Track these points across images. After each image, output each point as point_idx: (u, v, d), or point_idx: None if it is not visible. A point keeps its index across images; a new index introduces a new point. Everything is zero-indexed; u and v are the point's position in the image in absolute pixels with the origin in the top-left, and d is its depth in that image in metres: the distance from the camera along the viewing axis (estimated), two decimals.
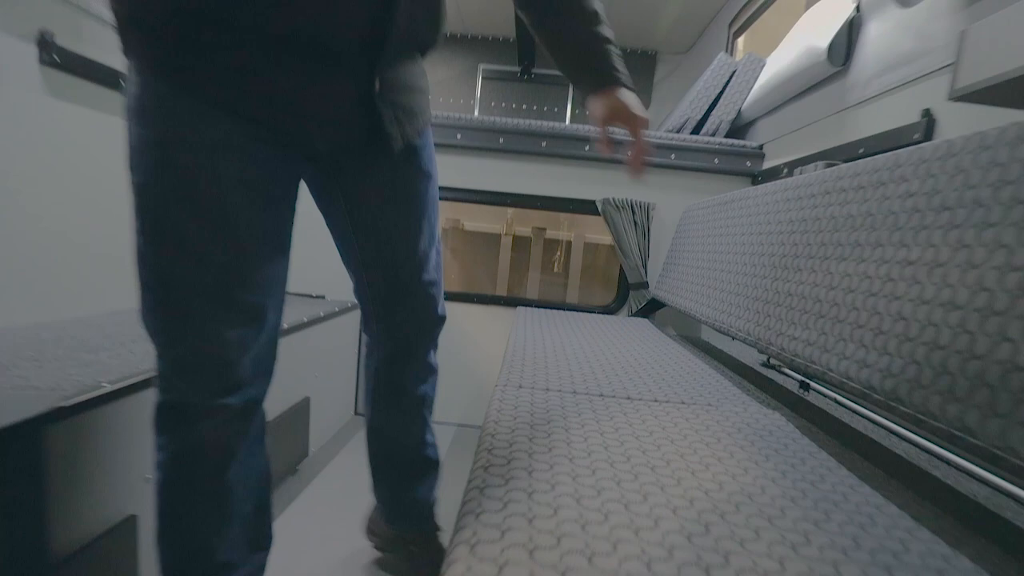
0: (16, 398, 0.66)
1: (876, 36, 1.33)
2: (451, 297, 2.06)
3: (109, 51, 1.36)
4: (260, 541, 0.85)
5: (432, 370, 1.07)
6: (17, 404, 0.61)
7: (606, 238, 2.07)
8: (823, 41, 1.48)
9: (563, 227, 4.31)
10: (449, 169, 2.02)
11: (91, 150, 1.35)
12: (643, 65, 3.61)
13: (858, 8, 1.43)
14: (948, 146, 0.71)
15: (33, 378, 0.79)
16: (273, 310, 0.77)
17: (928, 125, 1.08)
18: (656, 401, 0.95)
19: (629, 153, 0.89)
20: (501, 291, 3.79)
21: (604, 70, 0.87)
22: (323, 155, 0.80)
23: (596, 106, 0.88)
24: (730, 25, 2.64)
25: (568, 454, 0.66)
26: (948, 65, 1.05)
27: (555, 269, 4.96)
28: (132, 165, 0.67)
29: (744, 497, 0.60)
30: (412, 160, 0.88)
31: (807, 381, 1.23)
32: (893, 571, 0.48)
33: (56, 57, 1.15)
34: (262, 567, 0.85)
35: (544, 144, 2.02)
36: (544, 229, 4.24)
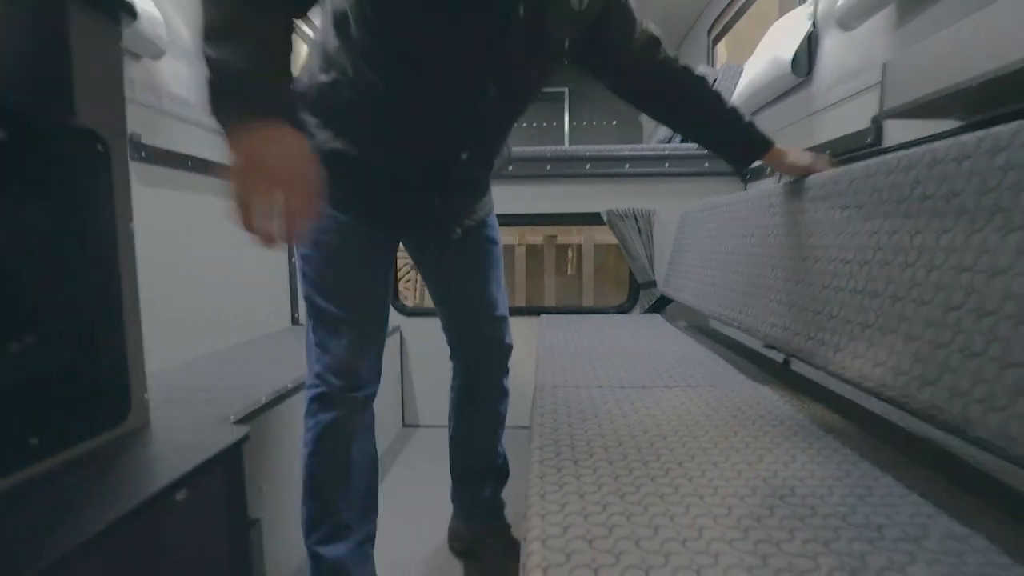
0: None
1: (830, 51, 1.52)
2: None
3: (179, 141, 1.61)
4: (370, 514, 1.13)
5: (504, 392, 1.33)
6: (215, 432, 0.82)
7: (614, 238, 2.27)
8: (787, 54, 1.67)
9: (573, 232, 4.51)
10: None
11: (175, 220, 1.60)
12: None
13: (814, 24, 1.61)
14: (930, 151, 0.74)
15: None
16: (382, 333, 1.11)
17: (877, 131, 1.27)
18: (667, 387, 1.15)
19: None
20: (520, 300, 3.99)
21: (759, 141, 1.15)
22: (415, 239, 1.21)
23: (787, 167, 1.15)
24: (709, 31, 2.83)
25: (604, 446, 0.80)
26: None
27: (568, 271, 5.15)
28: (303, 252, 1.04)
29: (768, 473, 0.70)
30: (479, 234, 1.21)
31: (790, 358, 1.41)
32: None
33: (142, 153, 1.40)
34: (372, 536, 1.13)
35: (549, 167, 2.23)
36: (555, 236, 4.45)
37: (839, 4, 1.30)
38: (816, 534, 0.56)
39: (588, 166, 2.23)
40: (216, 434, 0.72)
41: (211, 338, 1.76)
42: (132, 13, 0.69)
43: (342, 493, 1.07)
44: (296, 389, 1.40)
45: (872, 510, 0.61)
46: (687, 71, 1.11)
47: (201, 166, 1.66)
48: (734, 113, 1.14)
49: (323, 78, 0.93)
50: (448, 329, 1.30)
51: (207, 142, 1.71)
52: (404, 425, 2.35)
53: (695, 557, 0.52)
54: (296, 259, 1.08)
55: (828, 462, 0.75)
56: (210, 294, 1.75)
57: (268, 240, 0.66)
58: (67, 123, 0.62)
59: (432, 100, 0.90)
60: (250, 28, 0.64)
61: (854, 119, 1.37)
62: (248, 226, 0.64)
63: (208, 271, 1.74)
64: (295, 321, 2.37)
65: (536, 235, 4.36)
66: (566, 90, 3.84)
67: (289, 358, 1.69)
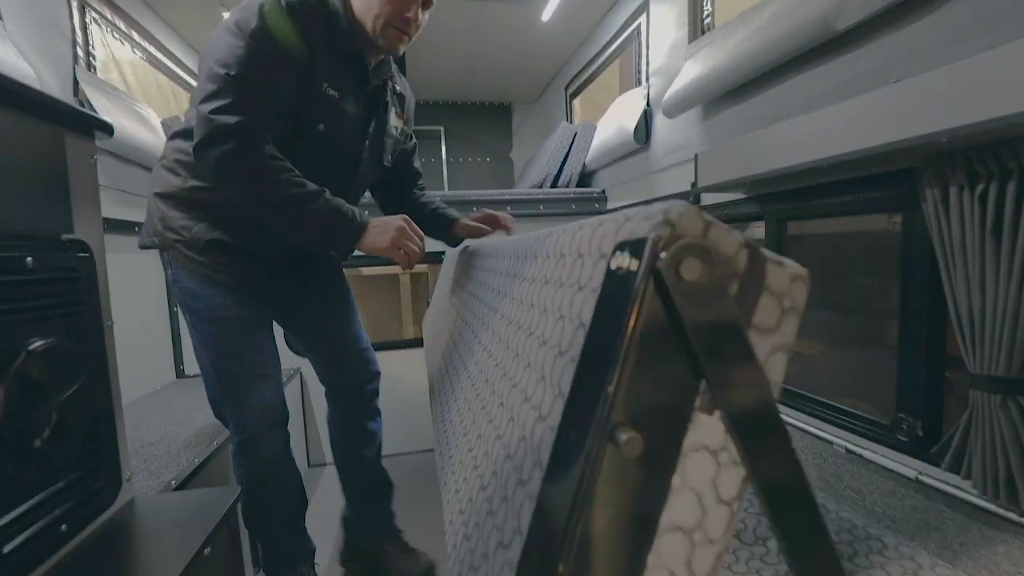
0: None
1: (660, 128, 1.98)
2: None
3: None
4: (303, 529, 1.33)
5: (378, 412, 1.50)
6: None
7: None
8: (630, 124, 2.11)
9: None
10: None
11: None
12: (502, 115, 4.20)
13: (648, 104, 2.07)
14: None
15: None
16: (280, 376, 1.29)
17: (696, 193, 1.71)
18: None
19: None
20: (408, 331, 4.09)
21: (451, 216, 1.43)
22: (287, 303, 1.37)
23: (466, 231, 1.40)
24: (566, 88, 3.30)
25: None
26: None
27: None
28: (195, 322, 1.17)
29: None
30: (337, 284, 1.44)
31: None
32: None
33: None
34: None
35: None
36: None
37: (664, 98, 1.73)
38: None
39: (474, 209, 2.48)
40: (205, 499, 0.81)
41: None
42: (109, 131, 0.77)
43: (299, 508, 1.28)
44: (219, 448, 1.42)
45: None
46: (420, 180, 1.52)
47: None
48: (431, 205, 1.47)
49: (195, 182, 1.12)
50: (324, 370, 1.46)
51: None
52: (310, 465, 2.35)
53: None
54: (194, 336, 1.20)
55: None
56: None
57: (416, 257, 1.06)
58: (70, 239, 0.69)
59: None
60: (293, 198, 0.97)
61: (680, 181, 1.82)
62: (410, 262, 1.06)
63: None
64: (180, 374, 2.25)
65: (421, 265, 4.48)
66: (442, 128, 4.09)
67: (187, 413, 1.67)
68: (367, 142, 1.25)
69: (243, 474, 1.20)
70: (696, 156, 1.44)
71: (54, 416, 0.63)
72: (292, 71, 1.02)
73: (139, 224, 1.96)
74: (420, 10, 1.10)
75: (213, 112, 0.93)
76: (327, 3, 1.08)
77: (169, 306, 2.20)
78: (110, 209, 1.80)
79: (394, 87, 1.31)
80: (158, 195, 1.16)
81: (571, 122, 3.15)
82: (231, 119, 0.93)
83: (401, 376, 2.47)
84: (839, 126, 1.00)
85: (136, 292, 1.98)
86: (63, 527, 0.63)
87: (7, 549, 0.56)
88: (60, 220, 0.69)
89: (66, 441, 0.65)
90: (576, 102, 3.29)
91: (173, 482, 1.10)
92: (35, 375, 0.60)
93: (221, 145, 0.94)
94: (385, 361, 2.44)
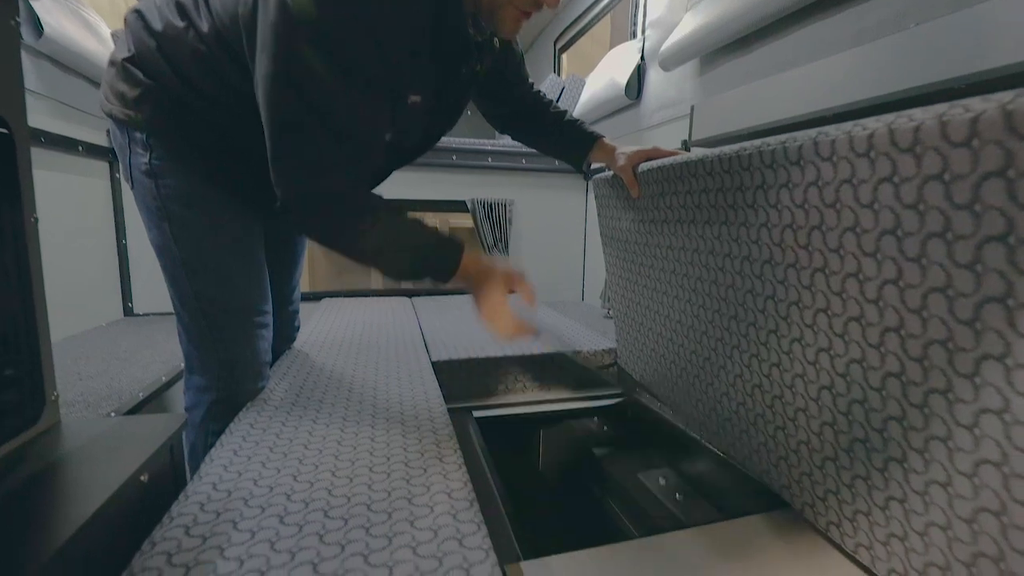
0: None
1: (654, 82, 1.90)
2: (341, 295, 2.29)
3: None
4: None
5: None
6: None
7: (468, 221, 2.45)
8: (622, 79, 2.02)
9: (429, 217, 4.60)
10: None
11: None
12: None
13: (643, 57, 1.98)
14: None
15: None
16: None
17: (687, 150, 1.66)
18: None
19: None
20: (378, 284, 3.98)
21: (588, 135, 1.14)
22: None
23: (616, 159, 1.09)
24: (555, 42, 3.16)
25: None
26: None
27: None
28: (178, 235, 0.91)
29: None
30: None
31: None
32: None
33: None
34: None
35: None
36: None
37: (660, 49, 1.65)
38: None
39: (454, 157, 2.37)
40: (144, 425, 0.73)
41: None
42: None
43: None
44: (167, 385, 1.32)
45: None
46: (534, 88, 1.18)
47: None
48: (561, 116, 1.17)
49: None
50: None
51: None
52: None
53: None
54: (172, 255, 0.94)
55: None
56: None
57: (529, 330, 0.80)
58: None
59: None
60: (392, 232, 0.79)
61: (671, 140, 1.76)
62: (518, 332, 0.80)
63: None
64: (128, 312, 2.10)
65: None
66: None
67: (133, 350, 1.55)
68: (439, 130, 1.01)
69: (197, 448, 1.00)
70: (692, 108, 1.38)
71: None
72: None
73: (83, 143, 1.78)
74: None
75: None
76: None
77: (117, 237, 2.04)
78: (50, 123, 1.62)
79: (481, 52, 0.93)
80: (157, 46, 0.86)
81: (559, 76, 3.03)
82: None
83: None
84: (850, 73, 0.95)
85: (78, 216, 1.81)
86: None
87: None
88: None
89: None
90: (564, 57, 3.16)
91: (113, 414, 1.00)
92: None
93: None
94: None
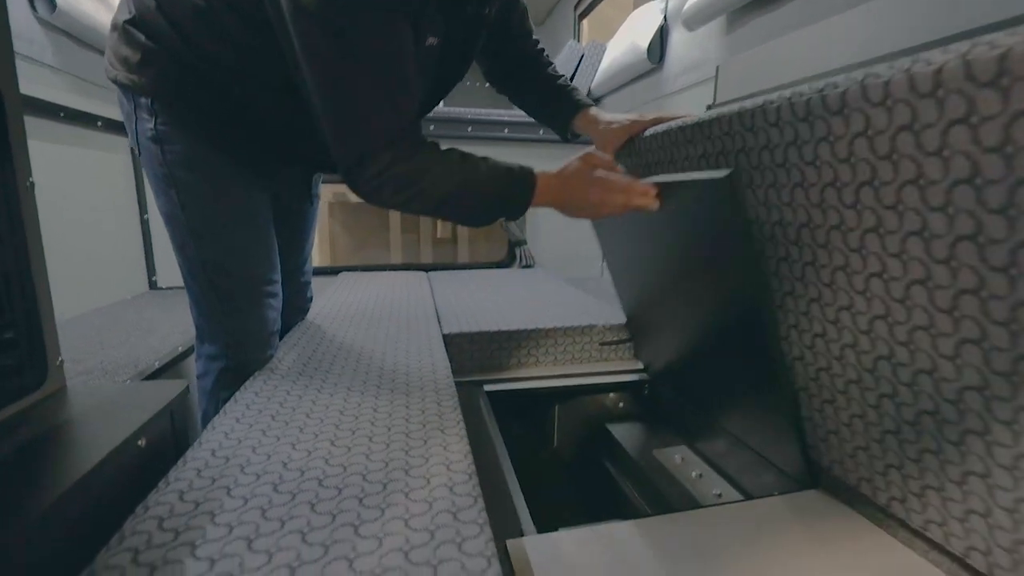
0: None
1: (677, 44, 1.80)
2: (359, 269, 2.29)
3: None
4: None
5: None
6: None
7: None
8: (644, 42, 1.92)
9: None
10: None
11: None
12: None
13: (665, 19, 1.88)
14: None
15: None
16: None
17: None
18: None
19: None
20: (396, 259, 3.99)
21: (574, 102, 1.08)
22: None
23: (601, 134, 1.04)
24: (575, 7, 3.04)
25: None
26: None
27: (438, 235, 5.19)
28: (183, 200, 0.91)
29: None
30: (316, 196, 1.26)
31: None
32: None
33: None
34: None
35: (432, 127, 2.28)
36: None
37: (684, 8, 1.55)
38: None
39: (470, 128, 2.32)
40: (146, 391, 0.73)
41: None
42: None
43: None
44: (184, 355, 1.34)
45: None
46: (539, 46, 1.13)
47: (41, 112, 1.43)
48: (554, 79, 1.11)
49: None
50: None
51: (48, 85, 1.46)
52: None
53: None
54: (179, 222, 0.93)
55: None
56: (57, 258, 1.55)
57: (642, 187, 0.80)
58: None
59: None
60: (457, 168, 0.84)
61: (696, 105, 1.67)
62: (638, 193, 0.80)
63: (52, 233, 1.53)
64: (153, 285, 2.15)
65: None
66: None
67: (156, 321, 1.58)
68: (447, 82, 1.01)
69: (209, 411, 1.03)
70: (717, 68, 1.30)
71: None
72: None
73: (102, 118, 1.79)
74: None
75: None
76: None
77: (140, 212, 2.07)
78: (68, 97, 1.63)
79: None
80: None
81: (579, 43, 2.91)
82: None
83: None
84: (890, 20, 0.86)
85: (101, 192, 1.84)
86: None
87: None
88: None
89: None
90: (585, 23, 3.04)
91: (128, 381, 1.02)
92: None
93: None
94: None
